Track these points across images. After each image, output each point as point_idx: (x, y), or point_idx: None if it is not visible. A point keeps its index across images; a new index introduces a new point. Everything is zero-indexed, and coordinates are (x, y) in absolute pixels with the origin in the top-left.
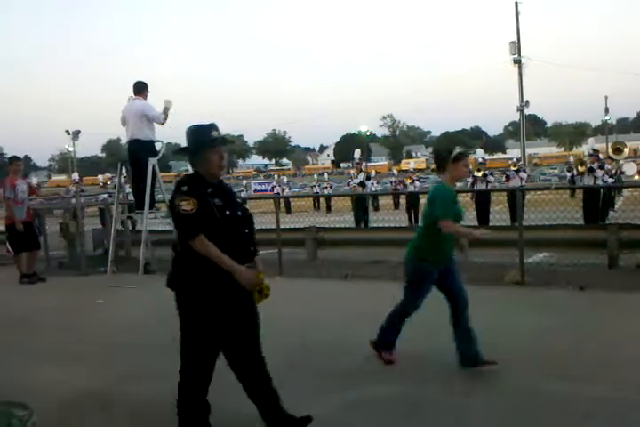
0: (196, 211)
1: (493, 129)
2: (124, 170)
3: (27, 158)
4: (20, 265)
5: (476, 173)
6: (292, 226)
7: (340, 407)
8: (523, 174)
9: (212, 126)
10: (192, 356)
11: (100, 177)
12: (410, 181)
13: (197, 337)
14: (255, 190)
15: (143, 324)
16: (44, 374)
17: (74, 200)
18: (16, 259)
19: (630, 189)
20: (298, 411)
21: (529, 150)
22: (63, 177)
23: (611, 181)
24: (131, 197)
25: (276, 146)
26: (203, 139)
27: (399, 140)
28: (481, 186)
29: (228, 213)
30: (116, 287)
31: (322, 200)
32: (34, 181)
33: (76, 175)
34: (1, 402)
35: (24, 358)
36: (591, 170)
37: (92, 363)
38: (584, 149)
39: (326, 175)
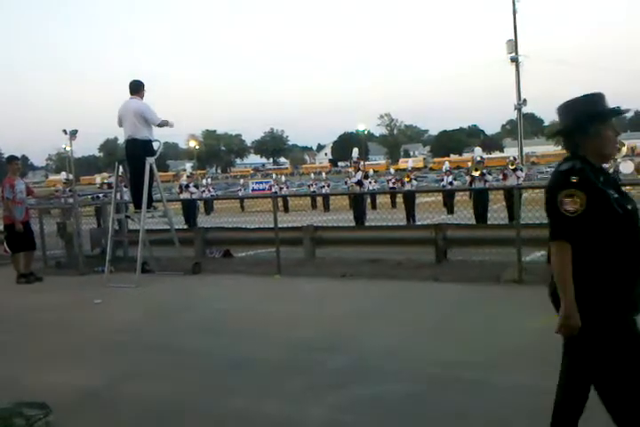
0: (578, 214)
1: (491, 128)
2: (121, 169)
3: (24, 158)
4: (17, 265)
5: (474, 173)
6: (290, 225)
7: (338, 407)
8: (520, 173)
9: (603, 96)
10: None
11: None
12: (407, 179)
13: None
14: (253, 189)
15: (141, 323)
16: (41, 374)
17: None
18: (13, 259)
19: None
20: (296, 410)
21: (526, 149)
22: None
23: None
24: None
25: (273, 145)
26: (596, 110)
27: (397, 139)
28: (479, 185)
29: (629, 206)
30: (113, 287)
31: (319, 199)
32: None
33: (63, 174)
34: (19, 402)
35: (21, 358)
36: None
37: (89, 362)
38: None
39: (324, 174)
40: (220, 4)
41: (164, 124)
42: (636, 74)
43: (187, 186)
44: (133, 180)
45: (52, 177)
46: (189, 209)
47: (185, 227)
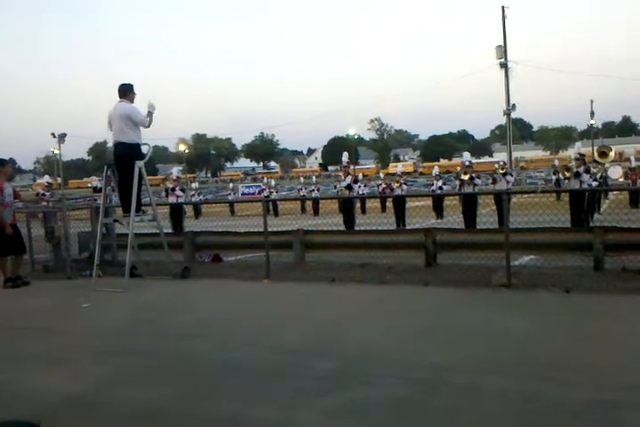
0: None
1: (480, 133)
2: (109, 173)
3: (11, 161)
4: (4, 269)
5: (463, 177)
6: (280, 229)
7: (327, 411)
8: (509, 177)
9: None
10: None
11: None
12: (397, 184)
13: None
14: (243, 193)
15: (129, 328)
16: (28, 379)
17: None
18: (0, 263)
19: (616, 193)
20: (285, 414)
21: (515, 154)
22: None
23: (596, 184)
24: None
25: (263, 149)
26: None
27: (387, 144)
28: (468, 189)
29: None
30: (101, 291)
31: (309, 203)
32: None
33: (46, 177)
34: (6, 422)
35: (8, 364)
36: (577, 174)
37: (77, 367)
38: (570, 152)
39: (314, 178)
40: (214, 8)
41: (149, 115)
42: (624, 81)
43: (172, 189)
44: (122, 184)
45: (40, 180)
46: (174, 213)
47: (172, 231)
